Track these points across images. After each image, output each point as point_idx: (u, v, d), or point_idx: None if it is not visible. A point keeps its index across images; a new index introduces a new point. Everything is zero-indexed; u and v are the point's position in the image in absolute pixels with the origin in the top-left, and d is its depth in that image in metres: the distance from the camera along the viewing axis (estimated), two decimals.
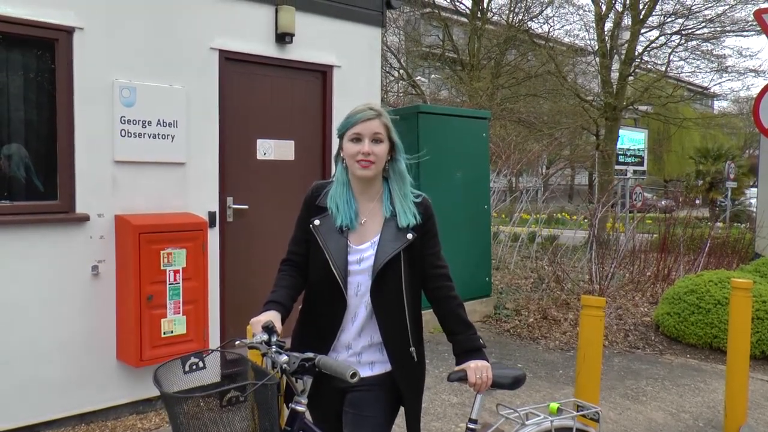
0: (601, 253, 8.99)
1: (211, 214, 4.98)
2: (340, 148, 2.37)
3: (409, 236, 2.31)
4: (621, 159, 15.95)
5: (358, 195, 2.38)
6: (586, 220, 13.76)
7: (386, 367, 2.36)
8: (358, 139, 2.29)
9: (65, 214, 4.28)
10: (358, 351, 2.35)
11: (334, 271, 2.28)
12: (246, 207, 5.31)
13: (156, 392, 4.48)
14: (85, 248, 4.36)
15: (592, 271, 8.49)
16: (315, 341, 2.34)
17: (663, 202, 20.22)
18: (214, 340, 4.94)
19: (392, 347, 2.34)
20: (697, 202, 23.71)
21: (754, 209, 10.74)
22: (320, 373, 2.09)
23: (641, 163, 16.65)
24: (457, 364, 2.39)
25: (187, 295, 4.52)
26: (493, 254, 9.42)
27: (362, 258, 2.31)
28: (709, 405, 5.24)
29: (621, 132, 17.49)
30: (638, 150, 16.52)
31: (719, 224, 14.91)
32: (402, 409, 2.43)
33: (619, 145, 17.13)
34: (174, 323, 4.47)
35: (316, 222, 2.36)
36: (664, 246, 9.91)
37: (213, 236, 4.95)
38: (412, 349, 2.36)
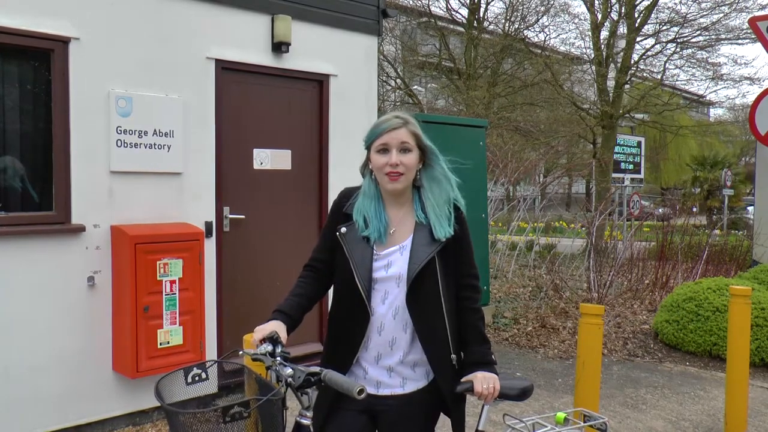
0: (599, 261, 8.97)
1: (208, 224, 4.96)
2: (368, 159, 2.30)
3: (443, 239, 2.23)
4: (620, 161, 15.95)
5: (389, 206, 2.31)
6: (583, 229, 13.75)
7: (418, 384, 2.29)
8: (385, 149, 2.22)
9: (61, 225, 4.26)
10: (389, 366, 2.27)
11: (358, 282, 2.21)
12: (243, 217, 5.29)
13: (152, 404, 4.49)
14: (81, 259, 4.34)
15: (590, 280, 8.47)
16: (341, 353, 2.29)
17: (660, 210, 20.22)
18: (211, 351, 4.91)
19: (434, 357, 2.25)
20: (695, 210, 23.72)
21: (751, 217, 10.75)
22: (343, 394, 2.00)
23: (638, 171, 16.67)
24: (465, 374, 2.33)
25: (184, 305, 4.50)
26: (491, 263, 9.41)
27: (389, 263, 2.24)
28: (709, 413, 5.21)
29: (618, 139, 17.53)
30: (634, 148, 16.47)
31: (717, 231, 14.92)
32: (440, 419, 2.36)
33: (616, 152, 17.15)
34: (170, 334, 4.44)
35: (343, 230, 2.29)
36: (662, 254, 9.90)
37: (210, 246, 4.93)
38: (453, 356, 2.29)
